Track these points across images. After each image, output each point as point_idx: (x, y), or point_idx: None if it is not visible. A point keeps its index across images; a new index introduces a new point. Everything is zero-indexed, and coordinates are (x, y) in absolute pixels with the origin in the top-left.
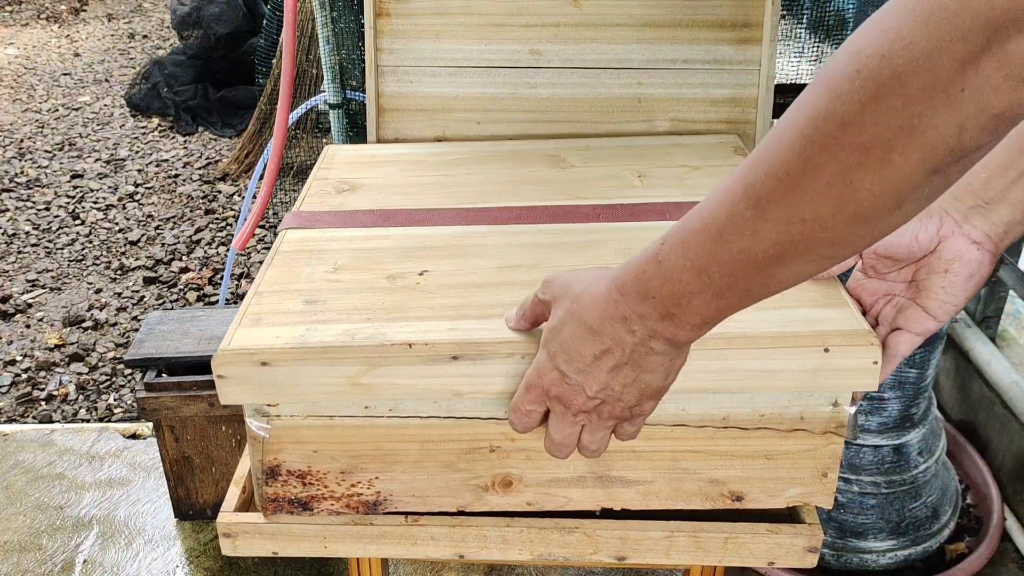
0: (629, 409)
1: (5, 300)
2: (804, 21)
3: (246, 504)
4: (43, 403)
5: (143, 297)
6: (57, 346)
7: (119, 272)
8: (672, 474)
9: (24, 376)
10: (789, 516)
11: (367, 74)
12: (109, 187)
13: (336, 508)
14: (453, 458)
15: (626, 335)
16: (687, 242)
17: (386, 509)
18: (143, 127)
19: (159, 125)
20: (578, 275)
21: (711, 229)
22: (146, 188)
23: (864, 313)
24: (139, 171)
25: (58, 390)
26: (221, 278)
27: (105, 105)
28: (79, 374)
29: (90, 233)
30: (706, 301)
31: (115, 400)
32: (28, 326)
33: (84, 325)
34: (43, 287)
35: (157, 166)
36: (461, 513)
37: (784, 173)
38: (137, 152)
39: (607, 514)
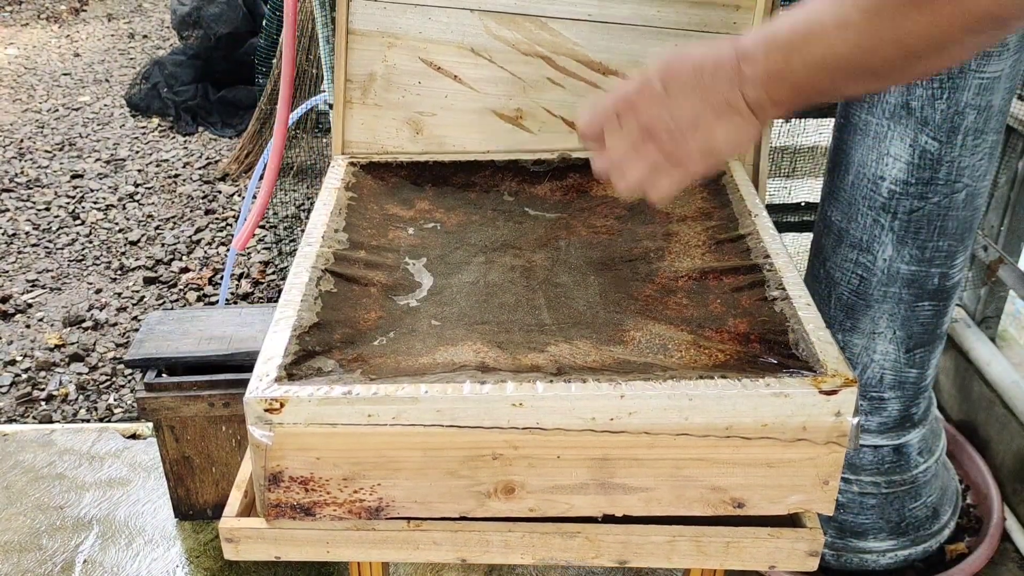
0: (677, 150)
1: (5, 300)
2: None
3: (248, 508)
4: (43, 403)
5: (143, 297)
6: (57, 346)
7: (119, 272)
8: (674, 481)
9: (24, 376)
10: (790, 520)
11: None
12: (109, 187)
13: (338, 514)
14: (456, 465)
15: (724, 83)
16: (785, 32)
17: (388, 515)
18: (143, 127)
19: (159, 125)
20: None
21: (800, 27)
22: (146, 188)
23: None
24: (139, 171)
25: (58, 390)
26: (221, 278)
27: (105, 105)
28: (79, 374)
29: (90, 233)
30: (786, 86)
31: (115, 400)
32: (28, 326)
33: (84, 325)
34: (43, 287)
35: (157, 166)
36: (464, 519)
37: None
38: (137, 152)
39: (608, 518)
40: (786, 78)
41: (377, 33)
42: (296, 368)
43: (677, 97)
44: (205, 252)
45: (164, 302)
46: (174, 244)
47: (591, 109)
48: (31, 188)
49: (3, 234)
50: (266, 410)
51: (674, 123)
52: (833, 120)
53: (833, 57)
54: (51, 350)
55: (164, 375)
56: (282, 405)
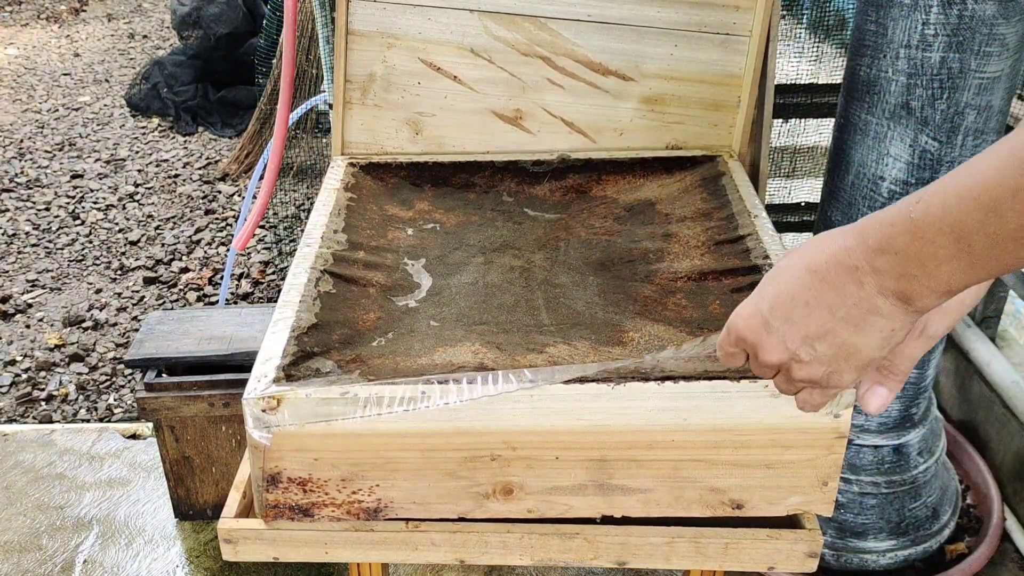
0: (827, 376)
1: (5, 300)
2: (804, 21)
3: (247, 509)
4: (43, 403)
5: (143, 297)
6: (57, 346)
7: (119, 272)
8: (673, 482)
9: (24, 376)
10: (789, 521)
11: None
12: (109, 187)
13: (337, 515)
14: (454, 466)
15: (852, 286)
16: (948, 206)
17: (387, 516)
18: (143, 127)
19: (159, 125)
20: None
21: (984, 198)
22: (146, 188)
23: None
24: (139, 171)
25: (58, 390)
26: (221, 278)
27: (105, 105)
28: (79, 374)
29: (90, 233)
30: (958, 269)
31: (115, 400)
32: (28, 326)
33: (84, 325)
34: (43, 287)
35: (157, 166)
36: (462, 520)
37: None
38: (137, 152)
39: (607, 519)
40: (959, 259)
41: (377, 33)
42: (294, 369)
43: (795, 325)
44: (205, 252)
45: (164, 302)
46: (174, 244)
47: (719, 347)
48: (31, 188)
49: (3, 234)
50: (263, 410)
51: (802, 356)
52: (833, 120)
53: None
54: (51, 350)
55: (164, 375)
56: (279, 403)
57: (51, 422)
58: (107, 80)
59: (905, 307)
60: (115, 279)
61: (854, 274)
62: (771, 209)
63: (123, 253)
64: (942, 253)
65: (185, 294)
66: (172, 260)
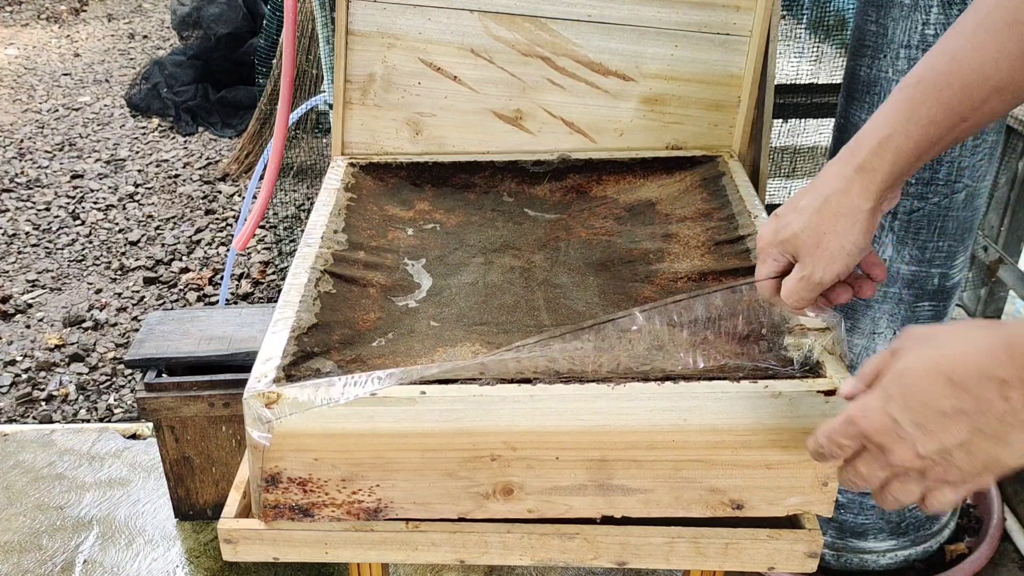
0: (962, 479)
1: (5, 300)
2: (804, 21)
3: (247, 510)
4: (43, 403)
5: (143, 297)
6: (57, 346)
7: (119, 272)
8: (673, 483)
9: (24, 376)
10: (789, 522)
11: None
12: (109, 187)
13: (337, 515)
14: (454, 466)
15: (997, 400)
16: None
17: (387, 516)
18: (143, 127)
19: (159, 125)
20: (946, 326)
21: None
22: (146, 188)
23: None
24: (139, 171)
25: (58, 390)
26: (221, 278)
27: (105, 105)
28: (79, 374)
29: (90, 233)
30: None
31: (115, 400)
32: (28, 326)
33: (84, 325)
34: (43, 287)
35: (157, 166)
36: (462, 520)
37: None
38: (137, 152)
39: (607, 519)
40: None
41: (377, 34)
42: (294, 369)
43: (931, 434)
44: (205, 252)
45: (164, 302)
46: (174, 244)
47: (823, 436)
48: (31, 188)
49: (3, 234)
50: (264, 409)
51: (936, 463)
52: (833, 120)
53: None
54: (51, 350)
55: (164, 375)
56: (279, 402)
57: (51, 422)
58: (107, 80)
59: None
60: (115, 279)
61: (1001, 388)
62: (771, 209)
63: (123, 253)
64: None
65: (185, 294)
66: (172, 260)
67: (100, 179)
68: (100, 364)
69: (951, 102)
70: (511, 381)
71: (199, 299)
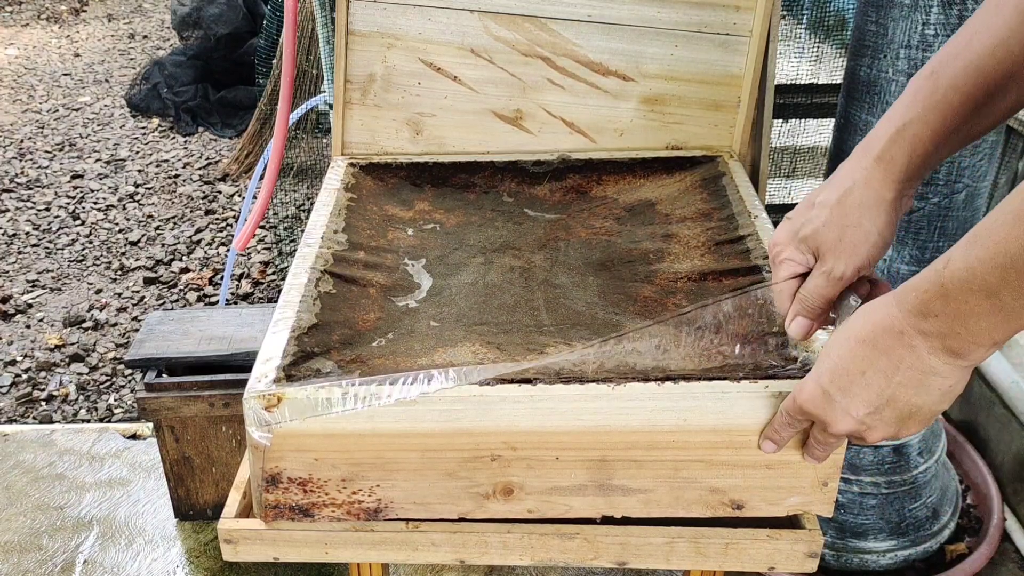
0: (896, 433)
1: (5, 300)
2: (804, 21)
3: (247, 510)
4: (43, 403)
5: (143, 297)
6: (57, 346)
7: (119, 272)
8: (673, 483)
9: (24, 376)
10: (789, 522)
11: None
12: (109, 187)
13: (337, 515)
14: (454, 466)
15: (903, 350)
16: (972, 267)
17: (387, 516)
18: (143, 127)
19: (159, 125)
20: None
21: (1000, 259)
22: (146, 188)
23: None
24: (139, 171)
25: (58, 390)
26: (221, 278)
27: (105, 105)
28: (79, 374)
29: (90, 233)
30: (996, 322)
31: (115, 400)
32: (28, 326)
33: (84, 325)
34: (43, 287)
35: (157, 166)
36: (462, 520)
37: None
38: (137, 152)
39: (607, 519)
40: (994, 314)
41: (377, 34)
42: (294, 369)
43: (856, 396)
44: (205, 252)
45: (164, 302)
46: (174, 244)
47: (771, 430)
48: (31, 188)
49: (3, 234)
50: (264, 410)
51: (869, 423)
52: (833, 120)
53: None
54: (51, 350)
55: (164, 375)
56: (279, 402)
57: (51, 422)
58: (107, 80)
59: (957, 362)
60: (115, 279)
61: (902, 338)
62: (771, 209)
63: (123, 253)
64: (977, 310)
65: (185, 294)
66: (172, 260)
67: (100, 179)
68: (100, 364)
69: (966, 87)
70: (511, 381)
71: (199, 299)
